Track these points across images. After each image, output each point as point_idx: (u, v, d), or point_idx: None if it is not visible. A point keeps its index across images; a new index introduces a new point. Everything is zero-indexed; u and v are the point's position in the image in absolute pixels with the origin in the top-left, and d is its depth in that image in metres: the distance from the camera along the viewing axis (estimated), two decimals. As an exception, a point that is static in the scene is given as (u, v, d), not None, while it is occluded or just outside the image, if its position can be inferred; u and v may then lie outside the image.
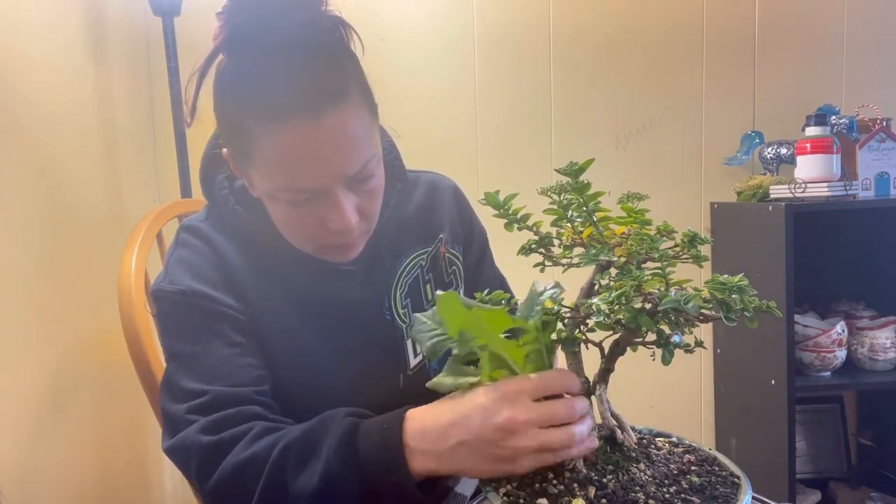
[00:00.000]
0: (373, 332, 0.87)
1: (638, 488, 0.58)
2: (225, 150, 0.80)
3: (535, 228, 0.70)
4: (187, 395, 0.75)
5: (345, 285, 0.85)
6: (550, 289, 0.62)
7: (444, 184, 1.01)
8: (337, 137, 0.71)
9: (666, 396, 2.02)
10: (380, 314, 0.88)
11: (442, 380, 0.64)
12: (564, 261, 0.68)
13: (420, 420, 0.65)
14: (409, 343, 0.89)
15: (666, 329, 0.58)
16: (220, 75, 0.74)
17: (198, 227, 0.85)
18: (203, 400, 0.74)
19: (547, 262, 0.70)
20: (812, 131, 1.69)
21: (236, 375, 0.76)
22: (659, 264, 0.60)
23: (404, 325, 0.89)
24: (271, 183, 0.74)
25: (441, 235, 0.96)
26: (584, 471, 0.60)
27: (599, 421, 0.65)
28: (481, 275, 1.03)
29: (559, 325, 0.64)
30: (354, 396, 0.77)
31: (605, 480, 0.59)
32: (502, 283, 1.07)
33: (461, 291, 0.96)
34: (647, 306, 0.58)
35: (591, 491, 0.58)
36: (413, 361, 0.89)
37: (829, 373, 1.74)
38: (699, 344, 0.60)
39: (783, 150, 1.81)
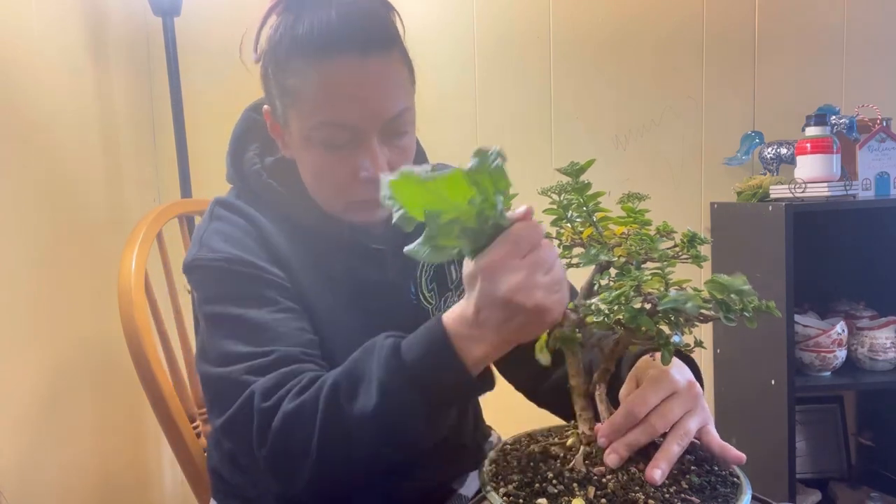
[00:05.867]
0: (399, 313, 0.87)
1: (637, 488, 0.58)
2: (266, 106, 0.84)
3: (534, 228, 0.70)
4: (240, 357, 0.73)
5: (375, 265, 0.86)
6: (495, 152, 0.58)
7: None
8: (380, 80, 0.76)
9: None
10: (406, 296, 0.89)
11: (417, 249, 0.60)
12: (564, 261, 0.68)
13: (455, 315, 0.64)
14: None
15: (666, 329, 0.58)
16: (274, 29, 0.79)
17: (232, 202, 0.85)
18: (264, 361, 0.72)
19: (547, 262, 0.70)
20: (812, 131, 1.69)
21: (290, 338, 0.75)
22: (658, 264, 0.60)
23: (430, 306, 0.91)
24: (311, 120, 0.77)
25: None
26: (584, 470, 0.60)
27: (601, 422, 0.65)
28: None
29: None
30: None
31: (604, 480, 0.59)
32: None
33: None
34: (647, 306, 0.58)
35: (591, 491, 0.58)
36: None
37: (829, 373, 1.74)
38: (699, 344, 0.60)
39: (783, 150, 1.81)
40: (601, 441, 0.62)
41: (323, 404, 0.66)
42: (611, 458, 0.60)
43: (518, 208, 0.61)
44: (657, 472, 0.58)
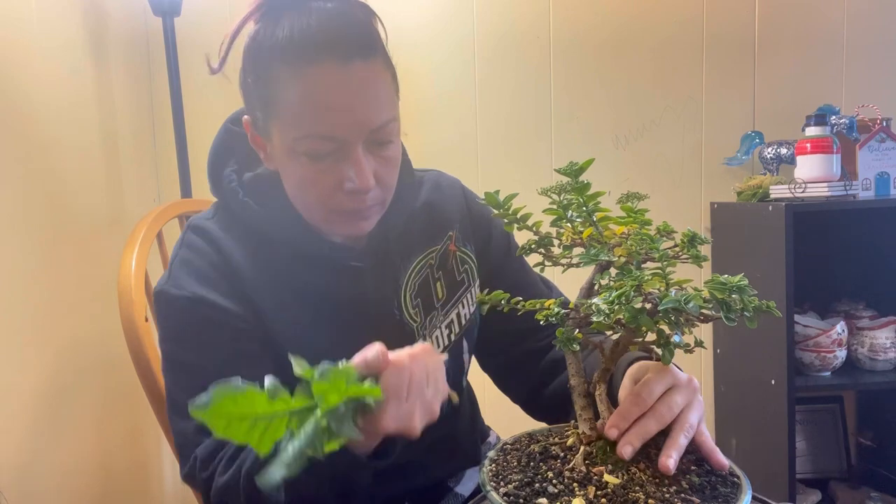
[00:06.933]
0: (382, 331, 0.85)
1: (637, 488, 0.58)
2: (246, 117, 0.82)
3: (534, 228, 0.70)
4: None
5: (355, 283, 0.85)
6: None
7: (449, 181, 1.00)
8: (363, 88, 0.74)
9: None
10: (389, 313, 0.87)
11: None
12: (564, 261, 0.68)
13: None
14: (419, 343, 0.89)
15: (666, 329, 0.58)
16: (252, 37, 0.77)
17: (204, 227, 0.84)
18: None
19: (547, 263, 0.70)
20: (812, 131, 1.69)
21: None
22: (659, 264, 0.60)
23: (415, 324, 0.88)
24: (295, 131, 0.75)
25: (451, 233, 0.94)
26: (584, 470, 0.60)
27: (602, 421, 0.65)
28: (511, 277, 0.98)
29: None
30: None
31: (604, 480, 0.59)
32: (545, 289, 1.00)
33: (475, 290, 0.95)
34: (647, 306, 0.58)
35: (591, 491, 0.58)
36: None
37: (829, 373, 1.74)
38: (699, 344, 0.60)
39: (783, 150, 1.81)
40: (611, 433, 0.62)
41: (243, 488, 0.69)
42: (626, 450, 0.60)
43: (368, 351, 0.60)
44: (670, 461, 0.59)
